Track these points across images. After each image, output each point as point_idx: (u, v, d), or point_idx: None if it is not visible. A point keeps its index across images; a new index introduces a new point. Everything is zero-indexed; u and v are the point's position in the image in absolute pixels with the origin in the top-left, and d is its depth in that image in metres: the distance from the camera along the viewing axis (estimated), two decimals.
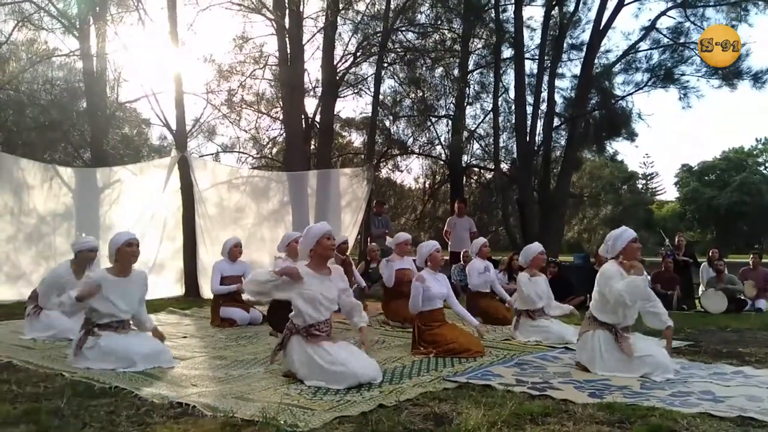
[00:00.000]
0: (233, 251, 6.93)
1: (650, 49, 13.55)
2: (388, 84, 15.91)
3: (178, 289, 10.05)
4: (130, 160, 14.93)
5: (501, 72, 14.45)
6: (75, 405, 3.28)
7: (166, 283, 10.00)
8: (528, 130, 12.97)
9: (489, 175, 17.01)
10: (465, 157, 16.39)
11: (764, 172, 48.67)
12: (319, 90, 14.11)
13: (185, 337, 5.94)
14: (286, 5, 12.09)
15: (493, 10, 13.71)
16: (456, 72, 15.06)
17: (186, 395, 3.50)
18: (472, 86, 15.64)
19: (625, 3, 13.06)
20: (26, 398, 3.44)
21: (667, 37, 13.35)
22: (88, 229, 10.23)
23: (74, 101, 15.11)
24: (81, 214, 10.22)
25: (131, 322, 4.55)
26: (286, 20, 12.20)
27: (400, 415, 3.15)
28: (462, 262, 9.03)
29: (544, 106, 13.64)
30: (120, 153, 16.52)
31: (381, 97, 14.34)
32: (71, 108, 14.92)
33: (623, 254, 4.38)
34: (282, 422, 2.96)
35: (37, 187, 9.77)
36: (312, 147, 14.29)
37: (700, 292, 9.70)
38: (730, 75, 12.55)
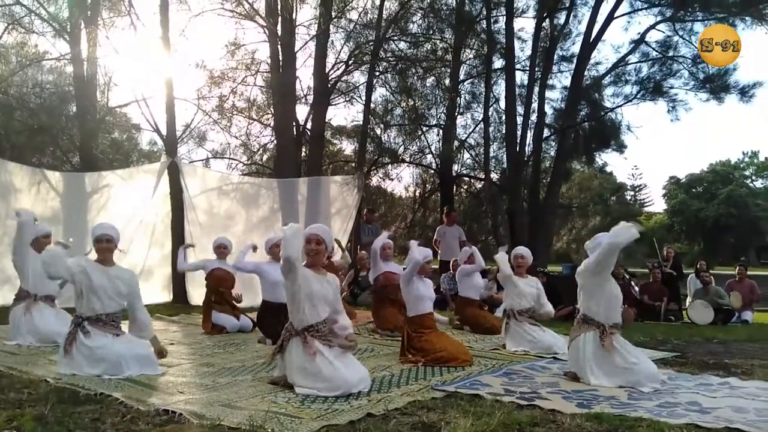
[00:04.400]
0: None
1: (639, 62, 13.72)
2: (379, 92, 15.90)
3: (165, 296, 9.99)
4: (119, 165, 14.84)
5: (492, 82, 14.55)
6: (59, 411, 3.23)
7: (154, 290, 9.92)
8: (518, 141, 13.03)
9: (479, 185, 17.06)
10: (455, 167, 16.43)
11: (750, 185, 49.26)
12: (310, 97, 14.11)
13: (173, 343, 5.88)
14: (279, 12, 12.12)
15: (484, 21, 13.82)
16: (447, 82, 15.13)
17: (173, 402, 3.47)
18: (463, 96, 15.69)
19: (615, 16, 13.21)
20: (9, 404, 3.39)
21: (656, 51, 13.52)
22: (75, 233, 10.17)
23: (64, 105, 14.97)
24: (68, 218, 10.13)
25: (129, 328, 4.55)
26: (279, 27, 12.22)
27: (388, 424, 3.14)
28: (451, 271, 9.04)
29: (534, 117, 13.73)
30: (109, 158, 16.39)
31: (372, 105, 14.35)
32: (60, 112, 14.78)
33: None
34: (269, 430, 2.94)
35: (25, 191, 9.68)
36: (303, 154, 14.26)
37: (687, 304, 9.77)
38: (717, 89, 12.71)
